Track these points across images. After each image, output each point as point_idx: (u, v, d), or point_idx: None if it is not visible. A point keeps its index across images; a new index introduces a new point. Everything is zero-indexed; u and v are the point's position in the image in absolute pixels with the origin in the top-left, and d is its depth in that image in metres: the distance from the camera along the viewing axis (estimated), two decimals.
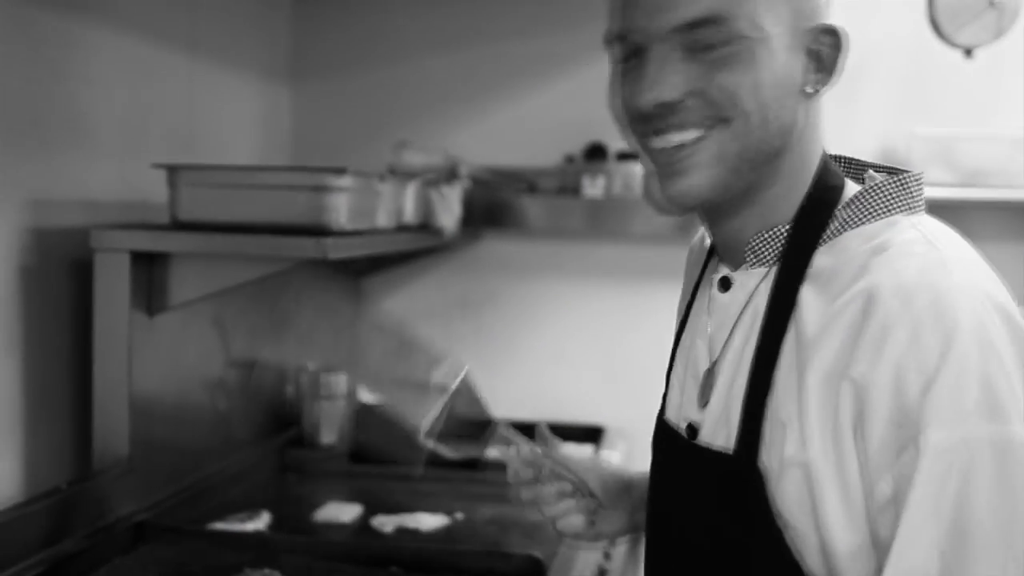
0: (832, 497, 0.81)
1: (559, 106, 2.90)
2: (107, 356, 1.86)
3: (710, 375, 0.95)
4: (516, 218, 2.96)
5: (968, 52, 2.48)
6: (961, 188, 2.56)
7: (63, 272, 1.88)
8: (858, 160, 0.99)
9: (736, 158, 0.85)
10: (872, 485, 0.79)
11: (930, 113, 2.72)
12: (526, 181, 2.94)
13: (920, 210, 0.90)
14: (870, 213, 0.87)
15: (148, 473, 1.94)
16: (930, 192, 2.42)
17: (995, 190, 2.57)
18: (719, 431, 0.92)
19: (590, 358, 3.04)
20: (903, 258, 0.81)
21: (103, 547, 1.75)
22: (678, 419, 1.01)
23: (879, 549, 0.79)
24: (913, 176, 0.91)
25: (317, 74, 3.10)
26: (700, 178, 0.86)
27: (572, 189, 2.90)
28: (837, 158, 0.99)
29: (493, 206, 2.93)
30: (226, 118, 2.68)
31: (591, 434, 2.83)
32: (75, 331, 1.91)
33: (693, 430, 0.97)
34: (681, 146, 0.85)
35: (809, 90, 0.87)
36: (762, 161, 0.87)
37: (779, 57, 0.84)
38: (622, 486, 1.25)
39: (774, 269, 0.89)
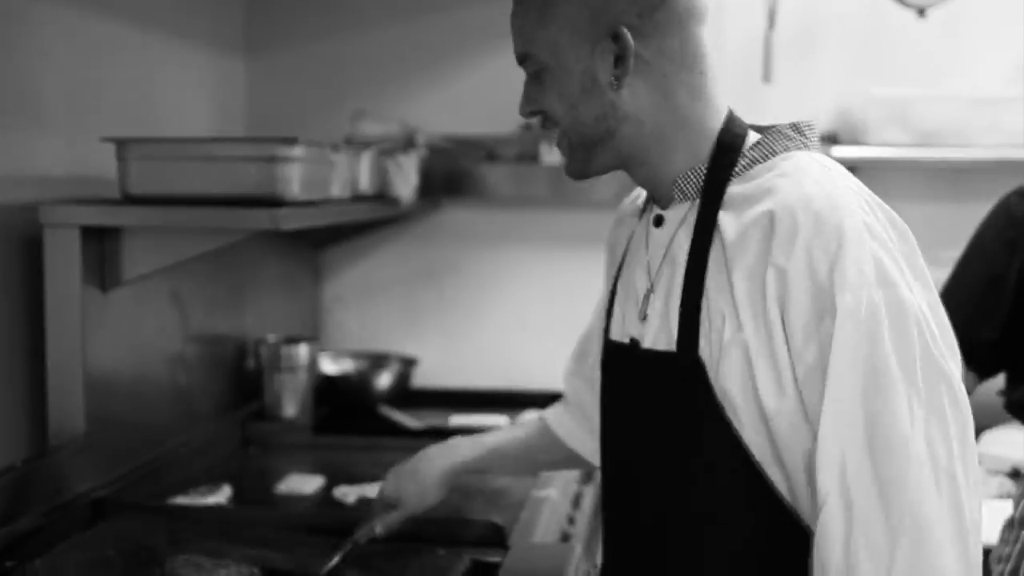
0: (764, 367, 1.01)
1: (517, 73, 2.88)
2: (60, 332, 1.85)
3: (648, 294, 1.15)
4: (476, 186, 2.95)
5: (921, 12, 2.49)
6: (916, 148, 2.58)
7: (13, 249, 1.86)
8: (770, 125, 1.18)
9: (579, 146, 1.15)
10: (799, 355, 0.99)
11: (884, 74, 2.74)
12: (485, 149, 2.93)
13: (814, 148, 1.12)
14: (772, 150, 1.10)
15: (106, 449, 1.93)
16: (885, 152, 2.44)
17: (949, 150, 2.59)
18: (660, 337, 1.12)
19: (553, 325, 3.04)
20: (800, 175, 1.04)
21: (61, 524, 1.74)
22: (621, 336, 1.21)
23: (808, 410, 1.00)
24: (805, 123, 1.13)
25: (272, 45, 3.06)
26: (572, 162, 1.17)
27: (531, 156, 2.90)
28: (758, 128, 1.19)
29: (452, 175, 2.92)
30: (179, 91, 2.65)
31: (555, 401, 2.83)
32: (27, 308, 1.89)
33: (635, 343, 1.17)
34: (558, 141, 1.18)
35: (615, 83, 1.10)
36: (600, 142, 1.13)
37: (576, 69, 1.10)
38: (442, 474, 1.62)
39: (697, 201, 1.11)
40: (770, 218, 1.01)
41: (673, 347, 1.09)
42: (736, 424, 1.04)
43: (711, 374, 1.05)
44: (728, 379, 1.04)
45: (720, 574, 1.14)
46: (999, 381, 2.02)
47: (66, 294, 1.83)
